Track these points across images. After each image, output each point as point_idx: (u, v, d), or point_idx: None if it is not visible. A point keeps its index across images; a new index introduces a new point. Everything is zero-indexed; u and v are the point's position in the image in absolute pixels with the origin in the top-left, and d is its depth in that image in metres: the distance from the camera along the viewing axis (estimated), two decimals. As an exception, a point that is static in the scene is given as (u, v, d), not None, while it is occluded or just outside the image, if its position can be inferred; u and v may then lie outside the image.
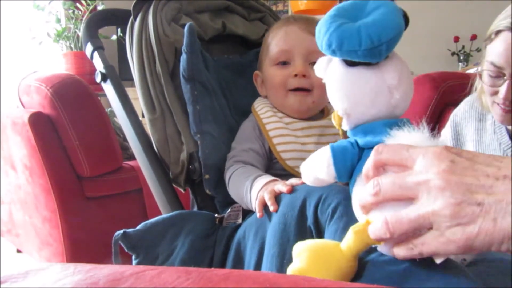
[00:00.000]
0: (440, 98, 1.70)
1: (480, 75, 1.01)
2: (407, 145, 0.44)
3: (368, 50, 0.49)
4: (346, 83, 0.53)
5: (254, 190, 0.78)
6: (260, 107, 0.95)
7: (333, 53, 0.52)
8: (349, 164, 0.52)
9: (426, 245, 0.41)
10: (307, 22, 0.94)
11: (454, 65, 3.89)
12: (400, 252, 0.44)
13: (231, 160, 0.90)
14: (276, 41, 0.93)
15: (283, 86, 0.92)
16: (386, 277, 0.48)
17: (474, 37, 3.85)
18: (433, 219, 0.40)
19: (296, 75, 0.90)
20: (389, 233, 0.43)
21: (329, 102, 0.97)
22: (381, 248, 0.49)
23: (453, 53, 3.95)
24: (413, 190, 0.42)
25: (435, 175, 0.40)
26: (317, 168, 0.54)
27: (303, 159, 0.89)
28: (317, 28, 0.54)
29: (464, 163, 0.40)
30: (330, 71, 0.55)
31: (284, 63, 0.92)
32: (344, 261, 0.48)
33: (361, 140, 0.53)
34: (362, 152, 0.53)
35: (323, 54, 0.96)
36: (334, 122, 0.58)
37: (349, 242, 0.48)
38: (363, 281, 0.50)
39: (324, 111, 0.98)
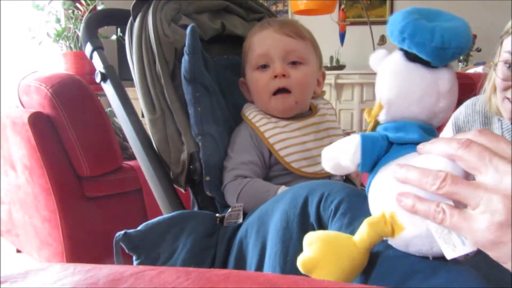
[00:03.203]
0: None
1: (486, 76, 1.00)
2: (491, 153, 0.43)
3: (436, 49, 0.50)
4: (401, 74, 0.54)
5: None
6: (253, 114, 0.96)
7: (403, 41, 0.52)
8: (376, 154, 0.53)
9: (454, 217, 0.42)
10: (281, 24, 0.96)
11: (453, 65, 3.89)
12: (424, 207, 0.45)
13: (231, 173, 0.90)
14: (253, 47, 0.95)
15: (267, 90, 0.93)
16: (394, 270, 0.49)
17: (474, 37, 3.85)
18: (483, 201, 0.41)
19: (276, 76, 0.92)
20: (440, 182, 0.44)
21: (313, 99, 0.99)
22: (392, 241, 0.49)
23: (453, 53, 3.94)
24: (475, 200, 0.42)
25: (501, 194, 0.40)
26: (342, 153, 0.54)
27: (306, 158, 0.91)
28: (392, 17, 0.54)
29: None
30: (387, 61, 0.56)
31: (264, 67, 0.94)
32: (357, 252, 0.49)
33: (392, 135, 0.54)
34: (390, 146, 0.54)
35: (301, 53, 0.96)
36: (366, 115, 0.58)
37: (363, 234, 0.49)
38: (371, 274, 0.50)
39: (311, 109, 1.00)
